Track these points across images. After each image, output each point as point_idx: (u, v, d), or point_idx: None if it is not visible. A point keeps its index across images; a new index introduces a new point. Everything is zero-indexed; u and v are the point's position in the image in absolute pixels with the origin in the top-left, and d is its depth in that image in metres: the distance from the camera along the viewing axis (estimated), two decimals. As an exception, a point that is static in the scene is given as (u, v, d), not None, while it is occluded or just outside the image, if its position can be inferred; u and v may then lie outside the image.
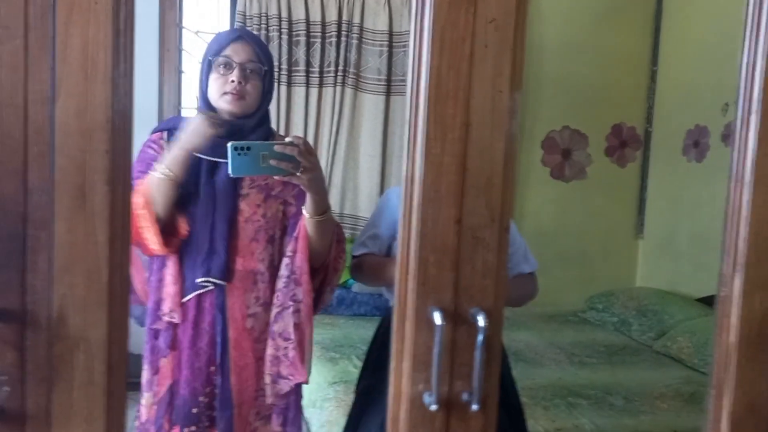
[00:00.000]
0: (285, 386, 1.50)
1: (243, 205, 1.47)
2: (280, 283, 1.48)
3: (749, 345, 0.87)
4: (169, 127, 1.53)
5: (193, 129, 1.39)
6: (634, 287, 3.77)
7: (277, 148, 1.31)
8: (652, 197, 3.80)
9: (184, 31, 3.50)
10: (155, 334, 1.50)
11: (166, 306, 1.47)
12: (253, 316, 1.48)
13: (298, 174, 1.34)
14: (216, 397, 1.48)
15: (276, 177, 1.38)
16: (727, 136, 3.19)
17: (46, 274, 0.67)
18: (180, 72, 3.50)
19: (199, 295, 1.46)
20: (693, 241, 3.41)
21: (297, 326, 1.47)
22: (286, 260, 1.48)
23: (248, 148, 1.30)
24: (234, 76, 1.45)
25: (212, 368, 1.48)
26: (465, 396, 0.79)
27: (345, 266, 1.57)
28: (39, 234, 0.66)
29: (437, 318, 0.75)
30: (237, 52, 1.47)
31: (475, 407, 0.77)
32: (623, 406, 2.38)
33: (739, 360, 0.87)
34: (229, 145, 1.30)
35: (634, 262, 3.90)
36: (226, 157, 1.42)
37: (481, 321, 0.76)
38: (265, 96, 1.52)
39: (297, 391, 1.55)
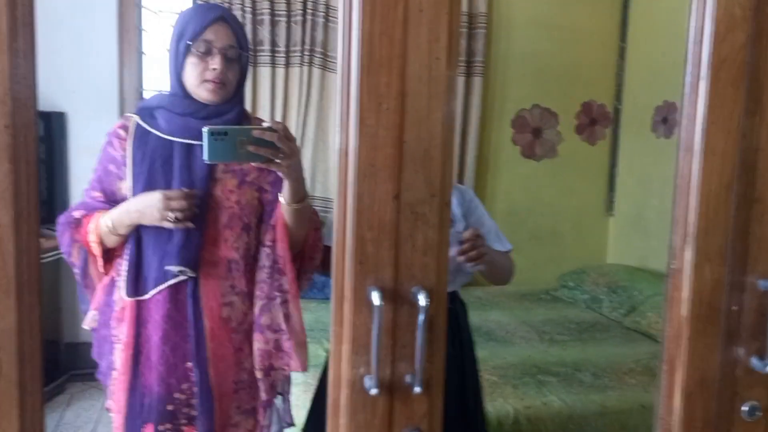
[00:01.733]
0: (278, 378, 1.45)
1: (216, 191, 1.41)
2: (263, 274, 1.42)
3: (699, 318, 0.85)
4: (140, 109, 1.45)
5: (147, 209, 1.34)
6: (604, 264, 3.79)
7: (255, 133, 1.25)
8: (622, 174, 3.81)
9: (143, 10, 3.40)
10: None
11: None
12: (229, 305, 1.43)
13: (277, 161, 1.28)
14: (194, 393, 1.43)
15: (253, 164, 1.33)
16: (694, 112, 3.19)
17: (-54, 260, 0.62)
18: (141, 53, 3.40)
19: (171, 286, 1.40)
20: (662, 217, 3.42)
21: (287, 316, 1.42)
22: (266, 250, 1.42)
23: (225, 134, 1.24)
24: (216, 63, 1.37)
25: (188, 363, 1.42)
26: (408, 378, 0.76)
27: (321, 253, 1.52)
28: (-64, 217, 0.61)
29: (376, 298, 0.72)
30: (218, 36, 1.38)
31: (417, 390, 0.74)
32: (592, 382, 2.39)
33: (690, 334, 0.85)
34: (204, 130, 1.24)
35: (605, 239, 3.92)
36: (200, 140, 1.37)
37: (422, 300, 0.73)
38: (242, 80, 1.46)
39: (288, 382, 1.52)
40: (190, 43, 1.37)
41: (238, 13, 3.32)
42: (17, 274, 0.64)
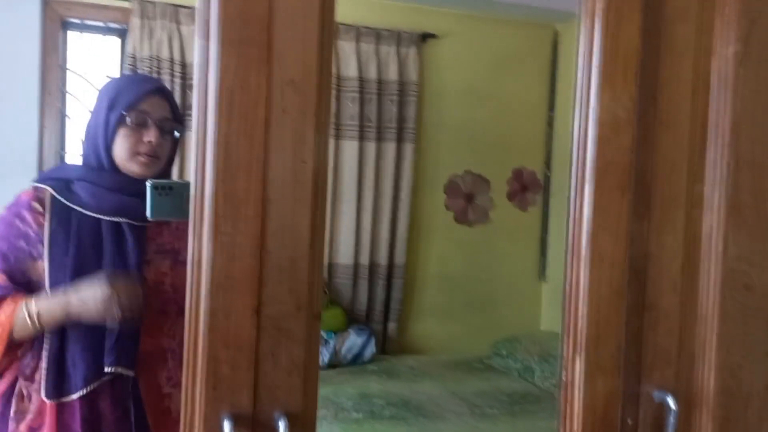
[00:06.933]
0: None
1: (149, 274, 1.28)
2: None
3: (595, 432, 0.80)
4: (52, 181, 1.30)
5: (92, 303, 1.17)
6: (537, 331, 3.77)
7: None
8: (553, 240, 3.85)
9: (68, 73, 3.30)
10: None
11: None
12: (168, 397, 1.30)
13: None
14: None
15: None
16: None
17: None
18: (64, 116, 3.28)
19: (105, 382, 1.24)
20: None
21: None
22: None
23: (170, 188, 1.19)
24: (151, 135, 1.28)
25: None
26: None
27: None
28: None
29: (227, 428, 0.64)
30: (154, 108, 1.30)
31: None
32: (521, 461, 2.32)
33: (585, 450, 0.79)
34: (148, 183, 1.18)
35: (539, 305, 3.91)
36: (132, 218, 1.26)
37: (281, 428, 0.65)
38: (173, 155, 1.38)
39: None
40: (125, 113, 1.28)
41: (166, 77, 3.26)
42: None
